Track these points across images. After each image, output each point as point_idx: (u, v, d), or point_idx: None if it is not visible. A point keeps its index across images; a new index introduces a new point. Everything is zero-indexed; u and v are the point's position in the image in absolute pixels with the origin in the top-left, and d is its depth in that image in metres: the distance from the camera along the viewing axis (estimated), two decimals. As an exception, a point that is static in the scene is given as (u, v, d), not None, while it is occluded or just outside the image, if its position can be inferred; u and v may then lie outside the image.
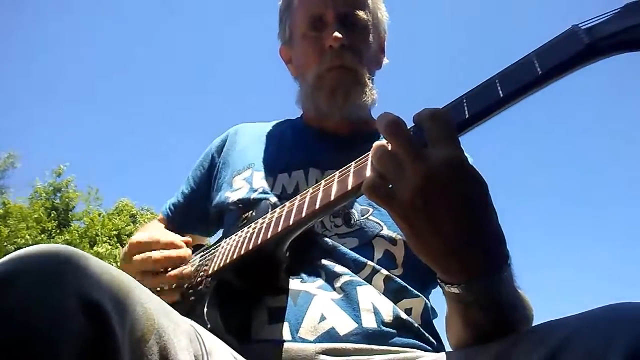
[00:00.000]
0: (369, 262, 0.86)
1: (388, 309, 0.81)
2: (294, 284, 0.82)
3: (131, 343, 0.46)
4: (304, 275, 0.84)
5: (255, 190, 0.96)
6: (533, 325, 0.64)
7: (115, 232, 14.34)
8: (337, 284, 0.82)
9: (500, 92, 0.54)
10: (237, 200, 0.96)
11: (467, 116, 0.56)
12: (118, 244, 13.64)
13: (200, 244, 1.13)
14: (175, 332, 0.53)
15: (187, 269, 0.86)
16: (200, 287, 0.84)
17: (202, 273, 0.87)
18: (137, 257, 0.86)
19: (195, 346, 0.57)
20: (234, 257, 0.81)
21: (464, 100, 0.57)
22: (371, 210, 0.91)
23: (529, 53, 0.54)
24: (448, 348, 0.75)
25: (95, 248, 12.80)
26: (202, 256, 0.95)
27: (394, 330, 0.79)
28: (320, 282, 0.83)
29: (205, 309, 0.75)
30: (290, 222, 0.72)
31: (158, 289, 0.85)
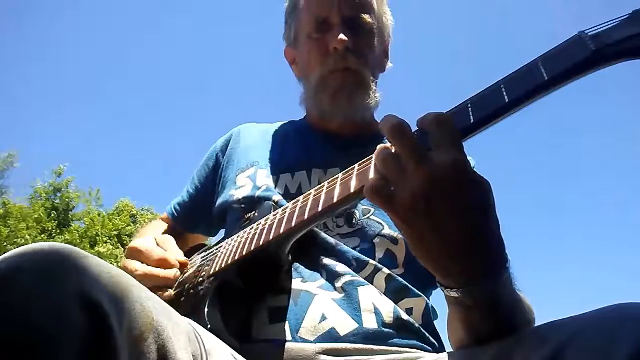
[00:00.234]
0: (371, 261, 0.86)
1: (389, 309, 0.81)
2: (295, 283, 0.82)
3: (130, 341, 0.46)
4: (304, 275, 0.84)
5: (259, 188, 0.97)
6: (534, 325, 0.65)
7: (115, 232, 14.34)
8: (338, 284, 0.82)
9: (506, 97, 0.54)
10: (241, 198, 0.97)
11: (471, 121, 0.56)
12: (119, 244, 13.65)
13: (203, 244, 1.13)
14: (174, 331, 0.53)
15: (167, 292, 0.85)
16: (201, 287, 0.84)
17: (204, 273, 0.87)
18: (129, 264, 0.87)
19: (194, 345, 0.57)
20: (236, 257, 0.81)
21: (469, 105, 0.57)
22: (372, 209, 0.92)
23: (535, 58, 0.54)
24: (448, 348, 0.75)
25: (96, 248, 12.79)
26: (203, 256, 0.95)
27: (395, 331, 0.79)
28: (321, 281, 0.83)
29: (206, 309, 0.75)
30: (293, 224, 0.73)
31: None
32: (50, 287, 0.42)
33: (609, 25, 0.50)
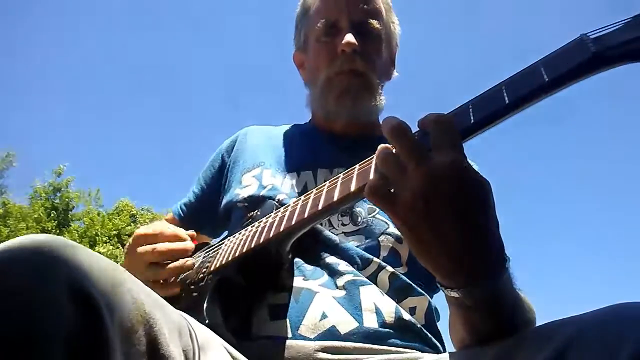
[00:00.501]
0: (375, 259, 0.86)
1: (390, 310, 0.81)
2: (297, 281, 0.82)
3: (121, 333, 0.46)
4: (306, 272, 0.84)
5: (265, 187, 0.98)
6: (535, 325, 0.65)
7: (115, 232, 14.34)
8: (340, 282, 0.82)
9: (507, 98, 0.54)
10: (247, 197, 0.98)
11: (472, 122, 0.56)
12: (119, 244, 13.64)
13: (206, 242, 1.14)
14: (166, 324, 0.54)
15: (189, 260, 0.88)
16: (202, 283, 0.84)
17: (205, 270, 0.87)
18: (142, 248, 0.88)
19: (186, 340, 0.57)
20: (236, 254, 0.81)
21: (470, 106, 0.57)
22: (378, 208, 0.92)
23: (537, 61, 0.54)
24: (450, 349, 0.75)
25: (96, 248, 12.75)
26: (205, 253, 0.95)
27: (395, 331, 0.79)
28: (323, 279, 0.83)
29: (205, 305, 0.75)
30: (293, 223, 0.73)
31: (161, 281, 0.87)
32: (40, 279, 0.42)
33: (612, 29, 0.50)
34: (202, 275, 0.86)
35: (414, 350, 0.79)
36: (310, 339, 0.75)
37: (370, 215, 0.92)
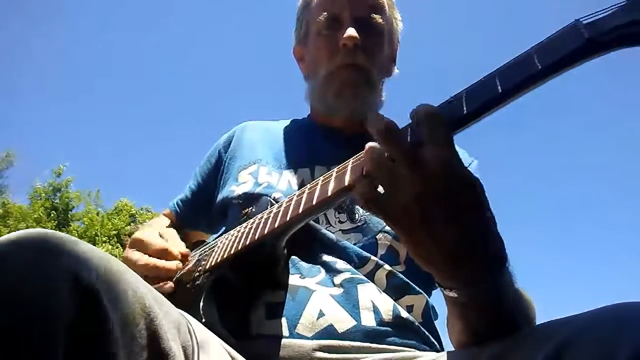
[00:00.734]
0: (372, 257, 0.86)
1: (388, 308, 0.80)
2: (293, 279, 0.81)
3: (122, 325, 0.46)
4: (303, 270, 0.83)
5: (260, 185, 0.97)
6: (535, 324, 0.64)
7: (114, 232, 14.33)
8: (338, 280, 0.81)
9: (499, 87, 0.53)
10: (242, 194, 0.97)
11: (465, 112, 0.55)
12: (118, 244, 13.63)
13: (203, 240, 1.14)
14: (166, 319, 0.53)
15: (167, 284, 0.85)
16: (197, 281, 0.83)
17: (200, 268, 0.86)
18: (131, 254, 0.87)
19: (185, 337, 0.57)
20: (232, 252, 0.81)
21: (463, 96, 0.56)
22: None
23: (529, 48, 0.53)
24: (448, 347, 0.75)
25: (96, 248, 12.73)
26: (202, 251, 0.95)
27: (393, 330, 0.78)
28: (320, 277, 0.82)
29: (202, 304, 0.74)
30: (287, 218, 0.72)
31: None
32: (42, 270, 0.43)
33: (605, 13, 0.49)
34: (197, 273, 0.86)
35: (412, 349, 0.78)
36: (307, 338, 0.74)
37: (367, 213, 0.91)
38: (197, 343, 0.59)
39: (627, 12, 0.48)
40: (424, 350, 0.80)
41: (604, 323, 0.45)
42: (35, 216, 14.12)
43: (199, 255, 0.93)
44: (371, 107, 1.05)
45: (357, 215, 0.91)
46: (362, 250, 0.86)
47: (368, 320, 0.77)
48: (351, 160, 0.65)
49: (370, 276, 0.84)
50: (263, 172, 1.01)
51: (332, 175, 0.67)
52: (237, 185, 1.00)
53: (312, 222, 0.86)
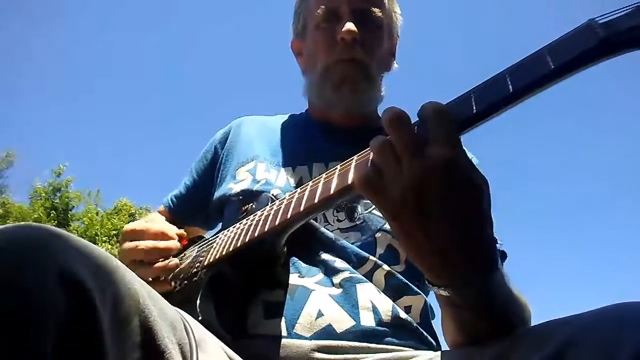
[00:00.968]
0: (371, 257, 0.85)
1: (387, 308, 0.79)
2: (292, 278, 0.80)
3: (114, 323, 0.45)
4: (302, 270, 0.82)
5: (258, 182, 0.96)
6: (532, 325, 0.64)
7: (114, 232, 14.30)
8: (336, 280, 0.80)
9: (510, 87, 0.52)
10: (240, 191, 0.95)
11: (474, 111, 0.54)
12: (118, 244, 13.57)
13: (201, 236, 1.12)
14: (161, 316, 0.52)
15: (172, 261, 0.85)
16: (195, 278, 0.82)
17: (198, 264, 0.85)
18: (127, 244, 0.85)
19: (181, 335, 0.56)
20: (230, 249, 0.79)
21: (472, 95, 0.55)
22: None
23: (542, 47, 0.52)
24: (445, 347, 0.74)
25: (95, 248, 12.71)
26: (200, 247, 0.93)
27: (392, 330, 0.78)
28: (318, 277, 0.81)
29: (198, 301, 0.73)
30: (288, 216, 0.71)
31: (150, 279, 0.84)
32: (30, 264, 0.41)
33: (621, 13, 0.48)
34: (195, 270, 0.84)
35: (410, 349, 0.78)
36: (306, 338, 0.73)
37: (366, 211, 0.90)
38: (195, 341, 0.58)
39: None
40: (423, 349, 0.79)
41: (605, 323, 0.44)
42: (35, 216, 14.07)
43: (197, 251, 0.92)
44: (370, 102, 1.04)
45: (356, 213, 0.90)
46: (360, 250, 0.85)
47: (367, 320, 0.77)
48: (355, 157, 0.64)
49: (369, 276, 0.83)
50: (261, 169, 0.99)
51: (335, 172, 0.66)
52: (234, 183, 0.99)
53: (310, 220, 0.85)
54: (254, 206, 0.88)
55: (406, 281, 0.85)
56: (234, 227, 0.86)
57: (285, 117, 1.17)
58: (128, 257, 0.85)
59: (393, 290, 0.83)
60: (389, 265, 0.85)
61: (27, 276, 0.41)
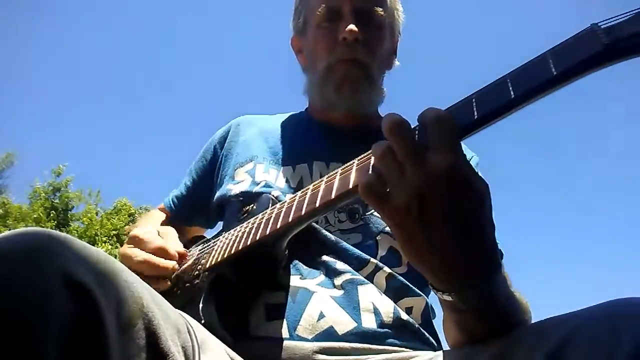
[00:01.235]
0: (372, 259, 0.84)
1: (388, 310, 0.79)
2: (293, 280, 0.80)
3: (119, 326, 0.45)
4: (303, 272, 0.82)
5: (258, 184, 0.95)
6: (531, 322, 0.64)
7: (114, 232, 14.30)
8: (338, 282, 0.80)
9: (512, 92, 0.51)
10: (239, 192, 0.95)
11: (475, 117, 0.53)
12: (118, 244, 13.60)
13: (202, 235, 1.12)
14: (164, 319, 0.52)
15: (164, 283, 0.84)
16: (197, 280, 0.82)
17: (200, 267, 0.85)
18: (128, 251, 0.85)
19: (184, 337, 0.56)
20: (232, 252, 0.79)
21: (473, 100, 0.54)
22: None
23: (544, 52, 0.51)
24: (446, 347, 0.74)
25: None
26: (201, 249, 0.93)
27: (394, 331, 0.78)
28: (320, 278, 0.81)
29: (201, 304, 0.73)
30: (290, 219, 0.71)
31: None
32: (34, 268, 0.41)
33: (624, 18, 0.47)
34: (197, 272, 0.84)
35: (411, 350, 0.78)
36: (307, 340, 0.73)
37: (368, 213, 0.90)
38: (198, 344, 0.58)
39: None
40: (424, 350, 0.80)
41: (603, 320, 0.45)
42: (35, 216, 14.08)
43: (198, 254, 0.92)
44: (371, 102, 1.04)
45: (357, 215, 0.90)
46: (361, 253, 0.85)
47: (369, 322, 0.77)
48: (356, 161, 0.63)
49: (370, 279, 0.83)
50: (260, 169, 0.99)
51: (336, 176, 0.66)
52: (234, 184, 0.98)
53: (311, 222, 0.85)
54: (254, 207, 0.88)
55: (407, 283, 0.85)
56: (235, 229, 0.85)
57: (285, 116, 1.16)
58: (126, 264, 0.84)
59: (394, 291, 0.84)
60: (390, 267, 0.85)
61: (30, 281, 0.41)
